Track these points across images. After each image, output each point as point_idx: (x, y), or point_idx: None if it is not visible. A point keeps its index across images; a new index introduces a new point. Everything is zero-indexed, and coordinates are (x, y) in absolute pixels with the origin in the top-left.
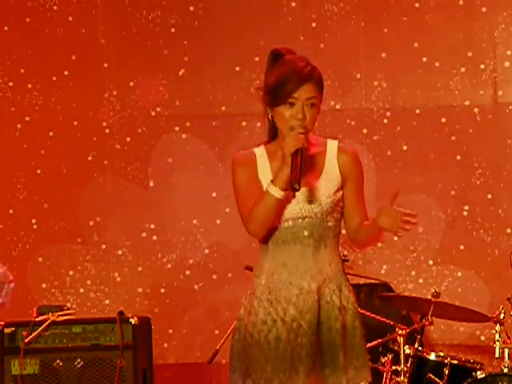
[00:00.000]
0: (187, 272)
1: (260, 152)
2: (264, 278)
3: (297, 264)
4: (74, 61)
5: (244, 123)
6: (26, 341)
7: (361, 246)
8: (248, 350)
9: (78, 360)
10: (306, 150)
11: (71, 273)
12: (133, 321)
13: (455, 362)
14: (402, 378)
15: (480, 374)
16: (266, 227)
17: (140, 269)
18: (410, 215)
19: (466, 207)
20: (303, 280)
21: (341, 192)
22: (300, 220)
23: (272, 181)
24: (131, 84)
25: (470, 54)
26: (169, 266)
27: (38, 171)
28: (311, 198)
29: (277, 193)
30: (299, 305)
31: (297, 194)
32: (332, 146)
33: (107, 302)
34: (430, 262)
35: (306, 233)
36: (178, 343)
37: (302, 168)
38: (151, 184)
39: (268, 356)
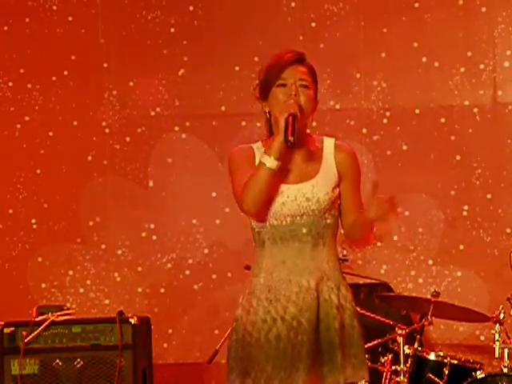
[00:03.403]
0: (187, 272)
1: (257, 148)
2: (263, 277)
3: (295, 261)
4: (74, 61)
5: (244, 123)
6: (25, 341)
7: (355, 243)
8: (247, 350)
9: (78, 360)
10: (298, 118)
11: (71, 273)
12: (132, 321)
13: (455, 361)
14: (401, 377)
15: (480, 374)
16: (259, 203)
17: (140, 269)
18: (390, 199)
19: (466, 207)
20: (302, 277)
21: (338, 189)
22: (298, 217)
23: (266, 151)
24: (131, 84)
25: (469, 53)
26: (168, 265)
27: (38, 171)
28: (308, 195)
29: (270, 162)
30: (299, 303)
31: (294, 191)
32: (329, 143)
33: (107, 301)
34: (430, 262)
35: (304, 230)
36: (177, 343)
37: (295, 126)
38: (151, 184)
39: (268, 355)
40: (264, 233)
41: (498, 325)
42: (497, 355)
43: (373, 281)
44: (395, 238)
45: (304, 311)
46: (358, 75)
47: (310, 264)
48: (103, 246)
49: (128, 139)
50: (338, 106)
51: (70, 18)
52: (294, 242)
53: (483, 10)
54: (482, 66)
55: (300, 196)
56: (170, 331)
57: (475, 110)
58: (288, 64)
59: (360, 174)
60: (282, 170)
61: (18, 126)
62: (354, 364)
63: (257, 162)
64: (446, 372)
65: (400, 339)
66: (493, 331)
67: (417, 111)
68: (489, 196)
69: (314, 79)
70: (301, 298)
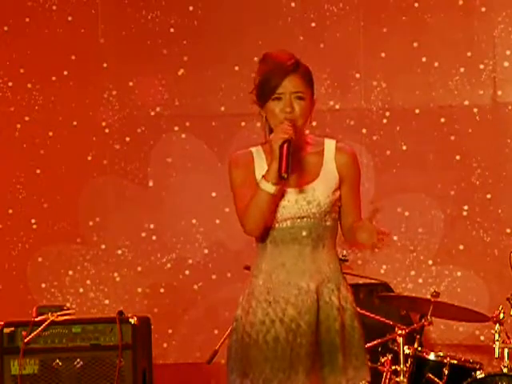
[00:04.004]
0: (187, 272)
1: (257, 151)
2: (262, 278)
3: (295, 264)
4: (74, 61)
5: (243, 123)
6: (25, 341)
7: (353, 245)
8: (246, 351)
9: (78, 360)
10: (294, 141)
11: (71, 273)
12: (132, 321)
13: (455, 361)
14: (401, 377)
15: (479, 374)
16: (262, 224)
17: (139, 269)
18: (383, 233)
19: (466, 207)
20: (302, 280)
21: (339, 192)
22: (298, 220)
23: (264, 176)
24: (130, 84)
25: (469, 53)
26: (168, 265)
27: (38, 171)
28: (309, 198)
29: (269, 188)
30: (298, 305)
31: (295, 194)
32: (330, 145)
33: (107, 301)
34: (430, 262)
35: (304, 233)
36: (177, 343)
37: (289, 157)
38: (151, 184)
39: (267, 356)
40: (266, 235)
41: (497, 325)
42: (496, 355)
43: (373, 281)
44: (395, 238)
45: (303, 314)
46: (358, 75)
47: (310, 267)
48: (103, 246)
49: (128, 139)
50: (337, 106)
51: (70, 18)
52: (294, 244)
53: (483, 10)
54: (481, 66)
55: (301, 199)
56: (170, 331)
57: (475, 109)
58: (283, 77)
59: (360, 177)
60: None
61: (18, 125)
62: (356, 365)
63: (256, 168)
64: (446, 372)
65: (400, 339)
66: (493, 331)
67: (417, 111)
68: (489, 196)
69: (309, 84)
70: (300, 301)
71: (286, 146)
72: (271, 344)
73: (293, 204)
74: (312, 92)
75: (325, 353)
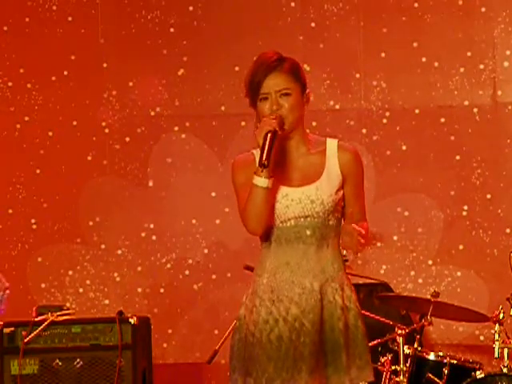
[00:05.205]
0: (186, 272)
1: (258, 154)
2: (266, 277)
3: (300, 263)
4: (74, 61)
5: (243, 123)
6: (25, 341)
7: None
8: (249, 349)
9: (78, 360)
10: (278, 134)
11: (70, 273)
12: (132, 321)
13: (454, 361)
14: (401, 377)
15: (479, 374)
16: (262, 222)
17: (139, 269)
18: (359, 233)
19: (466, 207)
20: (306, 279)
21: (342, 191)
22: (302, 219)
23: (255, 172)
24: (130, 84)
25: (469, 53)
26: (168, 265)
27: (38, 171)
28: (313, 197)
29: (261, 182)
30: (302, 304)
31: (298, 193)
32: (332, 144)
33: (107, 301)
34: (430, 262)
35: (308, 232)
36: (177, 343)
37: (272, 145)
38: (150, 184)
39: (270, 355)
40: (270, 234)
41: (497, 325)
42: (496, 355)
43: (372, 281)
44: (395, 238)
45: (307, 313)
46: (358, 75)
47: (315, 266)
48: (103, 246)
49: (128, 139)
50: (337, 106)
51: (70, 18)
52: (299, 243)
53: (483, 10)
54: (481, 66)
55: (304, 198)
56: (170, 331)
57: (475, 109)
58: (265, 76)
59: (363, 175)
60: (285, 174)
61: (18, 125)
62: (359, 365)
63: None
64: (446, 372)
65: (400, 339)
66: (492, 331)
67: (416, 111)
68: (488, 196)
69: (295, 78)
70: (303, 300)
71: (269, 135)
72: (275, 343)
73: (296, 203)
74: (300, 86)
75: (328, 352)
